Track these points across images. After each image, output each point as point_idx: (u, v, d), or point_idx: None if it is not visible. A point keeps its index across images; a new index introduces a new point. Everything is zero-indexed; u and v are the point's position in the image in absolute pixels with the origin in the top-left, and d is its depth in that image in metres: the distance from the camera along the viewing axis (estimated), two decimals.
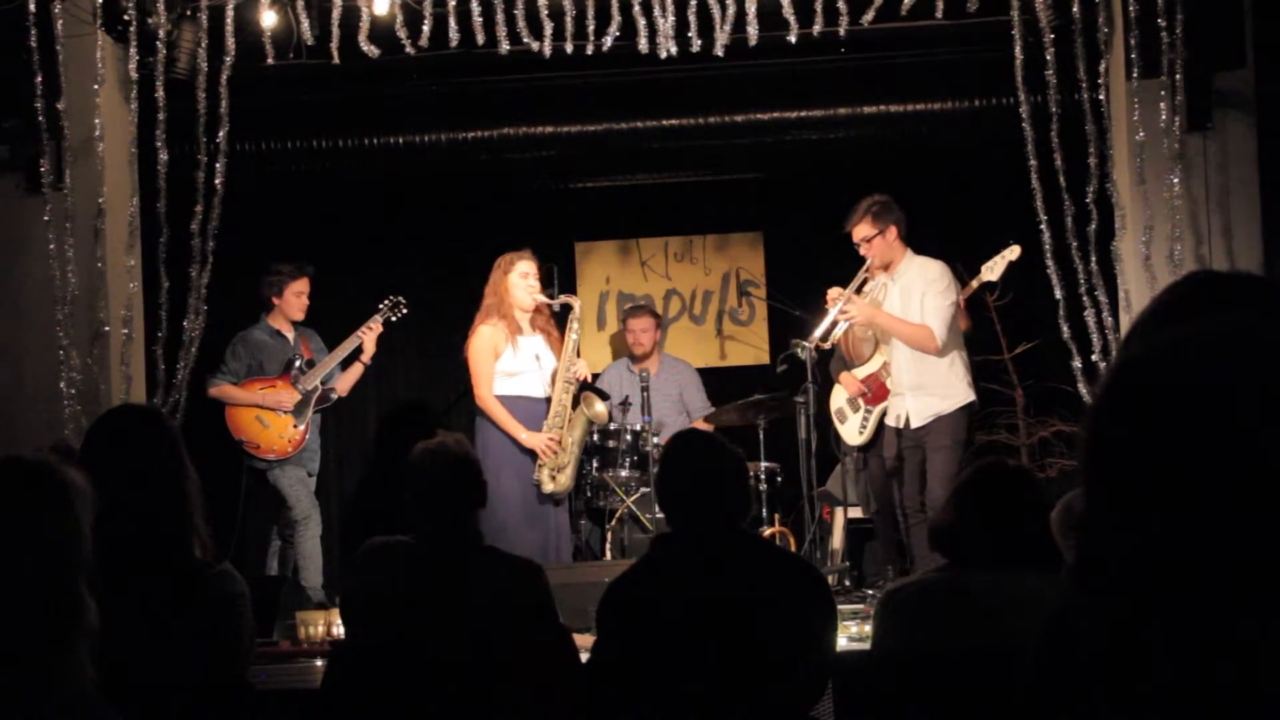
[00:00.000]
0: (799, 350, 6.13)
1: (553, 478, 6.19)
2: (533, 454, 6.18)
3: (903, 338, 5.86)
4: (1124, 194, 5.90)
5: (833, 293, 6.05)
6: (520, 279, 6.24)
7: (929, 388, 5.84)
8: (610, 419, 6.67)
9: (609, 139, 7.22)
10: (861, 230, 5.97)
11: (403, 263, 8.10)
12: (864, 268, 6.07)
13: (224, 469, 6.45)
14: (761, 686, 3.07)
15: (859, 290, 6.08)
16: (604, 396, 6.52)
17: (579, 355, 6.41)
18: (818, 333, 6.11)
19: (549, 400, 6.32)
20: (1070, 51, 5.88)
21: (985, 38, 6.21)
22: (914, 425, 5.92)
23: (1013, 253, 6.38)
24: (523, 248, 6.39)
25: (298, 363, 6.69)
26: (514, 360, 6.21)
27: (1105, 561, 1.01)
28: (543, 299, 6.34)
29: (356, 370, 6.75)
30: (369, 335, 6.64)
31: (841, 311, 5.97)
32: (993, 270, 6.33)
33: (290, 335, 6.78)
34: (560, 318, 6.57)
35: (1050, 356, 6.58)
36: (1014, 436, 7.27)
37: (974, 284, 6.48)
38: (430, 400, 8.17)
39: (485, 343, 6.19)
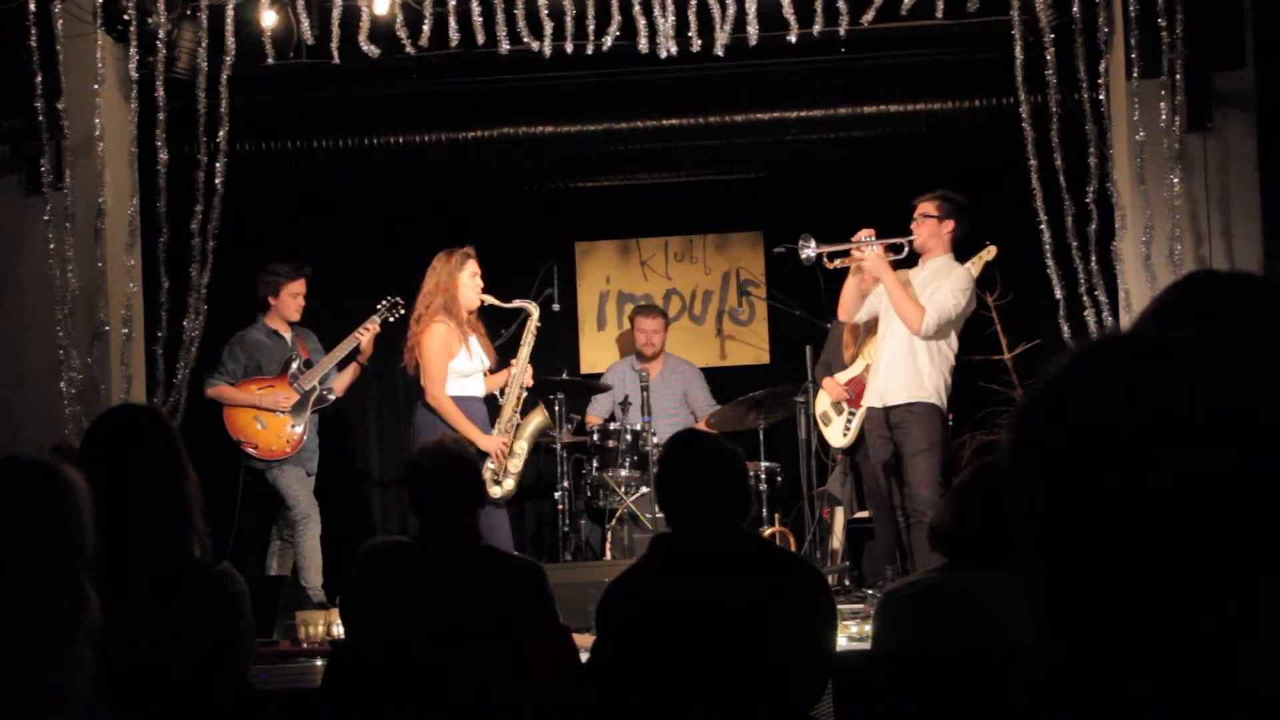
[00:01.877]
0: (804, 247, 6.03)
1: (497, 482, 6.10)
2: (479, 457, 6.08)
3: (895, 303, 5.80)
4: (1124, 194, 5.90)
5: (866, 230, 5.95)
6: (470, 279, 6.16)
7: (900, 369, 5.82)
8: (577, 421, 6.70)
9: (609, 139, 7.21)
10: (925, 207, 5.90)
11: (402, 263, 8.08)
12: (905, 239, 6.00)
13: (222, 469, 6.44)
14: (761, 686, 3.07)
15: (892, 251, 6.04)
16: (548, 406, 6.57)
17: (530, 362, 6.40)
18: (828, 247, 6.06)
19: (486, 400, 6.29)
20: (1070, 51, 5.88)
21: (985, 38, 6.22)
22: (871, 404, 5.95)
23: (989, 253, 6.38)
24: (515, 251, 6.37)
25: (295, 363, 6.68)
26: (467, 361, 6.13)
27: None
28: (491, 299, 6.27)
29: (353, 371, 6.74)
30: (366, 335, 6.63)
31: (858, 246, 5.90)
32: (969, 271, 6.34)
33: (288, 335, 6.77)
34: (498, 319, 6.56)
35: (1050, 356, 6.57)
36: None
37: None
38: None
39: (442, 341, 6.07)
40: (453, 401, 6.07)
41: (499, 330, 6.73)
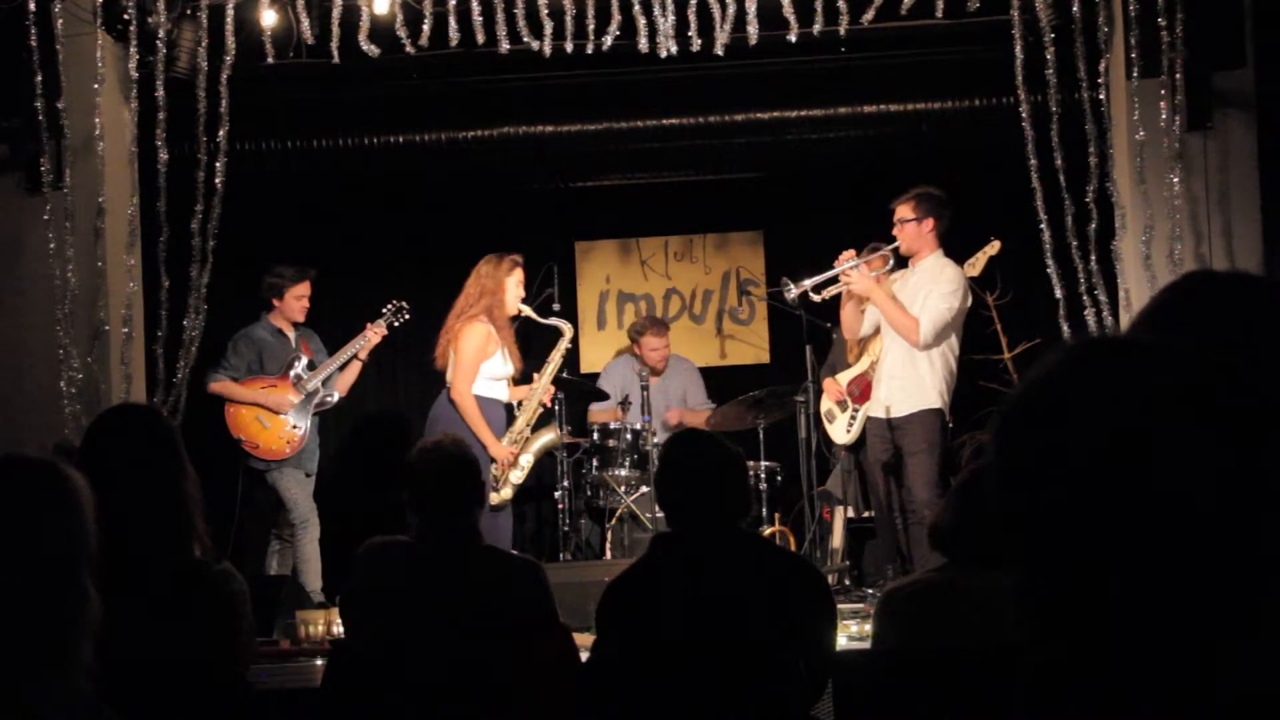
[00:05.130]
0: (786, 290, 6.10)
1: (495, 489, 6.08)
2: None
3: (890, 320, 5.85)
4: (1124, 193, 5.90)
5: (846, 254, 6.00)
6: (516, 285, 6.18)
7: (900, 379, 5.85)
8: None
9: (609, 139, 7.22)
10: (902, 211, 5.93)
11: (402, 263, 8.11)
12: (890, 246, 6.03)
13: (222, 468, 6.43)
14: (761, 686, 3.07)
15: (882, 264, 6.07)
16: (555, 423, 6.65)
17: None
18: (811, 280, 6.08)
19: (507, 406, 6.28)
20: (1070, 51, 5.88)
21: (985, 37, 6.21)
22: (875, 414, 5.98)
23: (993, 248, 6.39)
24: (515, 251, 6.32)
25: (299, 364, 6.67)
26: (502, 365, 6.14)
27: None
28: (529, 311, 6.27)
29: (355, 369, 6.73)
30: (373, 341, 6.62)
31: (844, 273, 5.95)
32: (974, 266, 6.34)
33: (291, 335, 6.76)
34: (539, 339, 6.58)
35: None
36: None
37: None
38: (430, 401, 8.15)
39: (480, 341, 6.07)
40: (476, 401, 6.07)
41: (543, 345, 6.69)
